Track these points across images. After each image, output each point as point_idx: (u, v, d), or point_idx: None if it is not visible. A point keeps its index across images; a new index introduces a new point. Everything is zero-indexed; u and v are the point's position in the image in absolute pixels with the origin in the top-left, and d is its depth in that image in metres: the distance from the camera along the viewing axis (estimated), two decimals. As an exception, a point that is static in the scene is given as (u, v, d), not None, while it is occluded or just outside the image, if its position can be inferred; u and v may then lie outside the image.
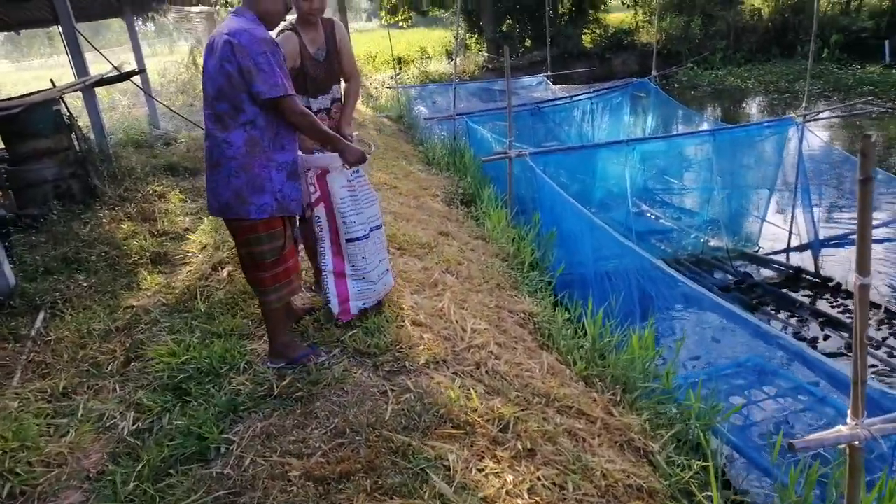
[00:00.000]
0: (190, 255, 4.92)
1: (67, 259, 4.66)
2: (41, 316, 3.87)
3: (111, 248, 4.95)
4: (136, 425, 2.79)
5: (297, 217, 3.15)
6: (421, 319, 3.34)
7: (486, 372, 2.99)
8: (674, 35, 20.35)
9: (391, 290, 3.48)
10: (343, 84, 3.54)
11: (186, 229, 5.56)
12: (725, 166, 6.63)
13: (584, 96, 9.34)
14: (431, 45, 24.84)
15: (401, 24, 22.56)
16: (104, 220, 5.59)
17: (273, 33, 2.88)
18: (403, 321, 3.29)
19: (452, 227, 5.66)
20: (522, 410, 2.70)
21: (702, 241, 6.81)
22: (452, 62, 22.33)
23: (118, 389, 3.15)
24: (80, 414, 2.93)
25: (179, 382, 2.97)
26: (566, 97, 9.62)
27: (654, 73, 9.81)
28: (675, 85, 18.01)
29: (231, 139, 2.65)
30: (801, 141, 6.31)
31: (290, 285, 2.95)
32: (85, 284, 4.34)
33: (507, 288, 4.45)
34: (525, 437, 2.50)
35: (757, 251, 6.79)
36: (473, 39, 23.50)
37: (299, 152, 2.98)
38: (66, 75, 9.06)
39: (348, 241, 3.11)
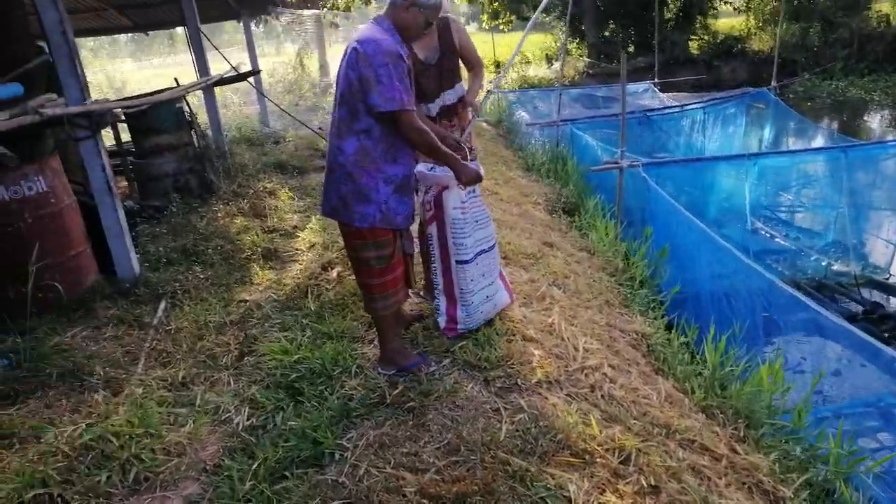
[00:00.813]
0: (299, 252, 5.03)
1: (186, 251, 4.87)
2: (162, 305, 4.05)
3: (226, 242, 5.14)
4: (250, 421, 2.84)
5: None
6: (531, 334, 3.23)
7: (602, 396, 2.85)
8: (790, 42, 19.17)
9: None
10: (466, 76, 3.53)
11: (295, 227, 5.71)
12: (855, 185, 6.12)
13: (695, 105, 8.91)
14: (531, 49, 24.63)
15: (501, 27, 22.48)
16: (219, 215, 5.82)
17: None
18: (514, 335, 3.20)
19: (556, 238, 5.52)
20: (643, 442, 2.54)
21: (824, 264, 6.32)
22: (553, 67, 22.13)
23: (232, 383, 3.23)
24: (197, 404, 3.02)
25: (292, 381, 3.00)
26: (676, 105, 9.21)
27: (773, 82, 9.23)
28: (791, 95, 16.91)
29: (343, 146, 2.64)
30: (947, 161, 5.73)
31: (397, 295, 2.91)
32: (202, 276, 4.51)
33: (617, 305, 4.27)
34: (648, 472, 2.34)
35: (888, 279, 6.23)
36: (575, 44, 23.10)
37: (421, 168, 2.93)
38: (184, 73, 9.59)
39: (458, 262, 3.03)
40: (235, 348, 3.57)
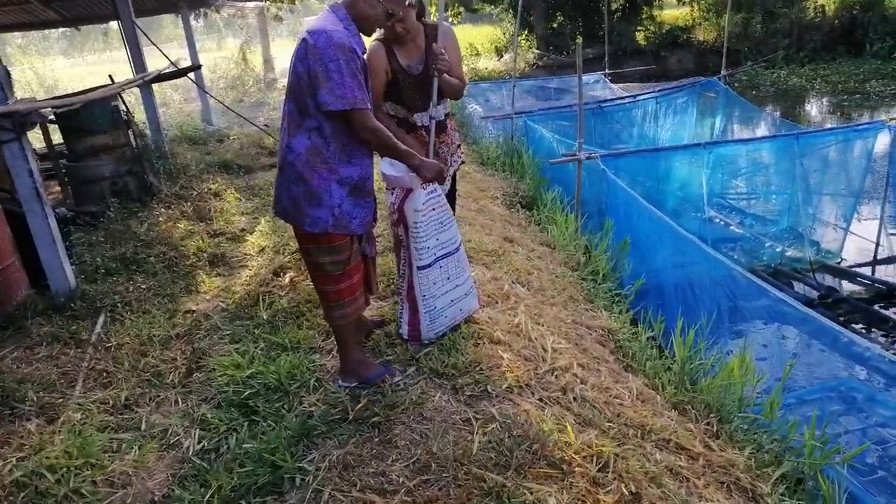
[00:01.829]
0: (248, 257, 4.79)
1: (126, 259, 4.58)
2: (101, 320, 3.76)
3: (169, 249, 4.86)
4: (201, 444, 2.63)
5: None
6: (499, 336, 3.10)
7: (575, 399, 2.73)
8: (733, 32, 19.59)
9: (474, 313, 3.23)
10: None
11: (243, 230, 5.45)
12: (806, 172, 6.20)
13: (648, 96, 8.93)
14: (480, 41, 24.56)
15: (450, 20, 22.32)
16: (161, 219, 5.52)
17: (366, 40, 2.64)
18: (480, 338, 3.06)
19: (516, 233, 5.41)
20: (620, 445, 2.44)
21: (779, 250, 6.39)
22: (503, 59, 22.07)
23: (181, 402, 3.00)
24: (143, 428, 2.79)
25: (245, 399, 2.79)
26: (629, 96, 9.22)
27: (723, 71, 9.33)
28: (735, 84, 17.28)
29: (293, 144, 2.45)
30: (893, 146, 5.84)
31: (355, 303, 2.72)
32: (144, 287, 4.23)
33: (581, 301, 4.18)
34: (628, 479, 2.24)
35: (839, 263, 6.35)
36: (523, 36, 23.10)
37: (384, 167, 2.75)
38: (120, 71, 9.11)
39: (418, 268, 2.85)
40: (182, 364, 3.34)
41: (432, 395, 2.61)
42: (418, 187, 2.75)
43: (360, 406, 2.56)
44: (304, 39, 2.35)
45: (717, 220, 7.12)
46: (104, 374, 3.24)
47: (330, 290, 2.65)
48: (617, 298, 4.43)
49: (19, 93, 16.88)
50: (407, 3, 2.71)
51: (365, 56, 2.53)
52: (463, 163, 3.50)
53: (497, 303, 3.61)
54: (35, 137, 7.69)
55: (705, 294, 4.19)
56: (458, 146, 3.37)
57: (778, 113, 14.27)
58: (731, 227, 7.00)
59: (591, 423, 2.59)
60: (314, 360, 3.01)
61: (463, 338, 3.03)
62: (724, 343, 4.21)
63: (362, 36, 2.51)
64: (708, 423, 3.02)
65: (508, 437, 2.34)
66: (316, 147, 2.42)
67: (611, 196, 5.29)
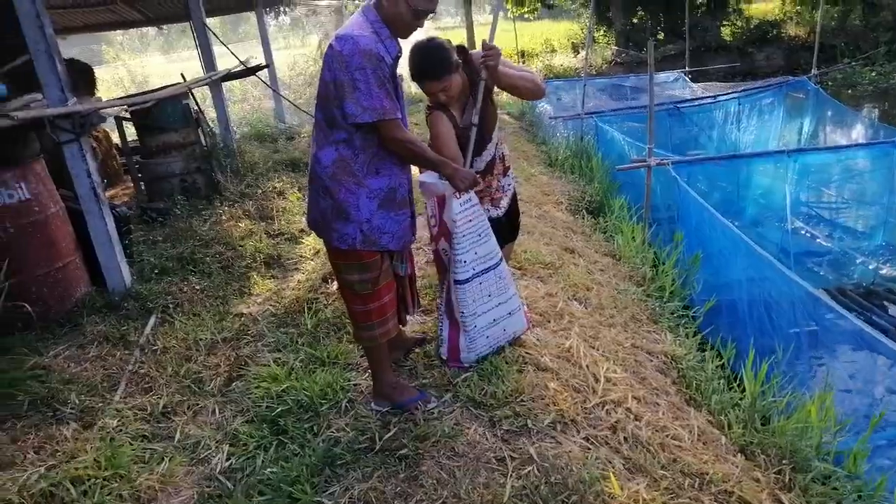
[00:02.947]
0: (303, 259, 4.75)
1: (184, 259, 4.61)
2: (152, 321, 3.78)
3: (227, 248, 4.88)
4: (229, 461, 2.55)
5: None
6: (546, 363, 2.88)
7: (625, 439, 2.49)
8: (828, 27, 18.29)
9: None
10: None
11: (301, 230, 5.42)
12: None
13: (730, 96, 8.37)
14: (557, 37, 24.01)
15: (527, 15, 21.92)
16: (223, 218, 5.56)
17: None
18: (525, 364, 2.85)
19: (578, 242, 5.14)
20: (673, 498, 2.18)
21: (872, 268, 5.82)
22: (579, 55, 21.50)
23: (217, 412, 2.95)
24: (176, 439, 2.75)
25: (277, 416, 2.70)
26: (709, 97, 8.68)
27: (814, 70, 8.65)
28: (829, 83, 16.13)
29: (320, 156, 2.31)
30: None
31: (384, 325, 2.54)
32: (198, 287, 4.24)
33: (644, 321, 3.88)
34: (678, 542, 1.99)
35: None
36: (601, 32, 22.43)
37: (426, 176, 2.57)
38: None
39: (457, 282, 2.67)
40: (224, 371, 3.29)
41: (467, 428, 2.43)
42: (451, 196, 2.57)
43: (389, 435, 2.41)
44: (330, 46, 2.20)
45: (803, 232, 6.57)
46: (146, 379, 3.23)
47: (358, 310, 2.51)
48: (684, 319, 4.10)
49: (112, 89, 17.76)
50: (455, 64, 2.55)
51: (398, 60, 2.34)
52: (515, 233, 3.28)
53: (549, 322, 3.39)
54: (112, 134, 8.00)
55: (783, 317, 3.81)
56: (507, 195, 3.09)
57: (875, 114, 13.19)
58: (818, 240, 6.44)
59: (641, 469, 2.34)
60: (349, 378, 2.88)
61: (506, 362, 2.83)
62: (803, 374, 3.82)
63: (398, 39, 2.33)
64: (779, 472, 2.69)
65: (544, 483, 2.13)
66: (343, 159, 2.28)
67: (682, 205, 4.93)
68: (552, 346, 3.07)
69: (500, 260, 2.75)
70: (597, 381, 2.84)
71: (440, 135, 2.69)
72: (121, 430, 2.77)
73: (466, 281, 2.67)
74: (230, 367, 3.32)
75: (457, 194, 2.55)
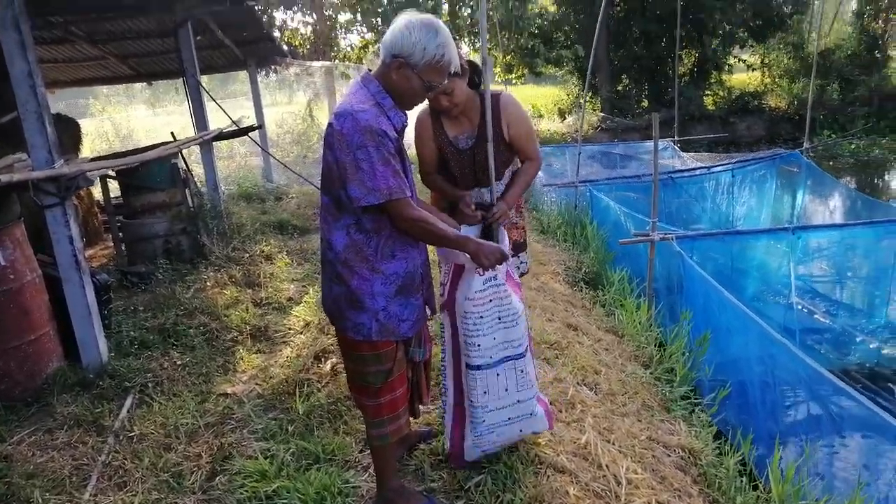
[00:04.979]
0: (292, 332, 4.49)
1: (165, 330, 4.34)
2: (128, 402, 3.49)
3: (211, 319, 4.62)
4: (210, 579, 2.25)
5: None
6: (563, 462, 2.65)
7: (656, 557, 2.24)
8: (806, 99, 18.83)
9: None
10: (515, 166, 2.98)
11: (290, 299, 5.19)
12: (908, 261, 5.54)
13: (724, 167, 8.41)
14: (542, 102, 24.49)
15: (514, 81, 22.36)
16: (208, 284, 5.32)
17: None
18: (541, 464, 2.62)
19: (580, 318, 4.96)
20: None
21: (873, 347, 5.69)
22: (566, 121, 21.87)
23: (198, 513, 2.65)
24: (150, 549, 2.44)
25: (266, 523, 2.42)
26: (702, 167, 8.73)
27: (805, 144, 8.76)
28: (811, 154, 16.52)
29: (332, 241, 2.13)
30: None
31: (396, 422, 2.31)
32: (179, 363, 3.97)
33: (656, 408, 3.67)
34: None
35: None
36: (588, 98, 22.92)
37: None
38: (189, 124, 9.24)
39: (469, 367, 2.44)
40: (207, 463, 2.99)
41: (483, 545, 2.18)
42: (474, 272, 2.37)
43: (395, 555, 2.15)
44: (329, 124, 2.04)
45: (800, 307, 6.45)
46: (120, 472, 2.93)
47: (369, 405, 2.28)
48: (696, 406, 3.89)
49: (97, 141, 17.61)
50: (453, 70, 2.22)
51: (403, 131, 2.20)
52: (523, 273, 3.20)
53: (561, 412, 3.16)
54: (95, 191, 7.78)
55: (799, 403, 3.62)
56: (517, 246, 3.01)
57: (853, 185, 13.42)
58: (816, 316, 6.32)
59: None
60: (348, 479, 2.61)
61: (521, 462, 2.59)
62: (825, 462, 3.61)
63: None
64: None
65: None
66: (356, 244, 2.09)
67: (688, 282, 4.79)
68: (567, 442, 2.84)
69: (526, 351, 2.50)
70: (618, 483, 2.61)
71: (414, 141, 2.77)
72: (88, 538, 2.47)
73: (479, 368, 2.44)
74: (213, 458, 3.03)
75: (479, 271, 2.35)
